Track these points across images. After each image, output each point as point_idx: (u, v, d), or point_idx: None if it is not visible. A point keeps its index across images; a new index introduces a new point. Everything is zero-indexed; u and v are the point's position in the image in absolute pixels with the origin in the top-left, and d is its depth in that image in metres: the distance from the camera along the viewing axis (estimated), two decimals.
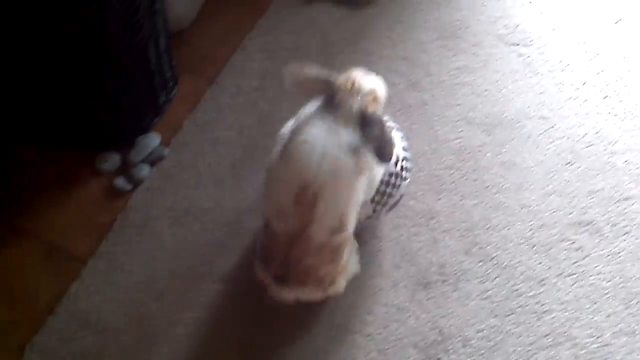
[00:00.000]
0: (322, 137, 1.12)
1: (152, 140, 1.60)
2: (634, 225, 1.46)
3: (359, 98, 1.13)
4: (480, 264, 1.42)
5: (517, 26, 1.75)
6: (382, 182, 1.27)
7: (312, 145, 1.12)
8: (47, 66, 1.38)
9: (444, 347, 1.32)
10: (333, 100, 1.14)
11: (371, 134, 1.11)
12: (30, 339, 1.35)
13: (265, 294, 1.26)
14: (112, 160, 1.58)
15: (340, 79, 1.15)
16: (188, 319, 1.36)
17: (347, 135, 1.12)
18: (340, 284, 1.29)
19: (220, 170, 1.56)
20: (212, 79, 1.70)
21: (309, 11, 1.80)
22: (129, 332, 1.36)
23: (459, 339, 1.33)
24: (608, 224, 1.46)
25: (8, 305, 1.41)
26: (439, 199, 1.50)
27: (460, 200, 1.50)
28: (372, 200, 1.28)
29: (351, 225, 1.21)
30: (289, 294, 1.26)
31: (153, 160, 1.58)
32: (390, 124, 1.32)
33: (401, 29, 1.75)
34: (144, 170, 1.56)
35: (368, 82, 1.17)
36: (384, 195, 1.29)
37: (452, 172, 1.54)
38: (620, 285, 1.39)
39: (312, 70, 1.15)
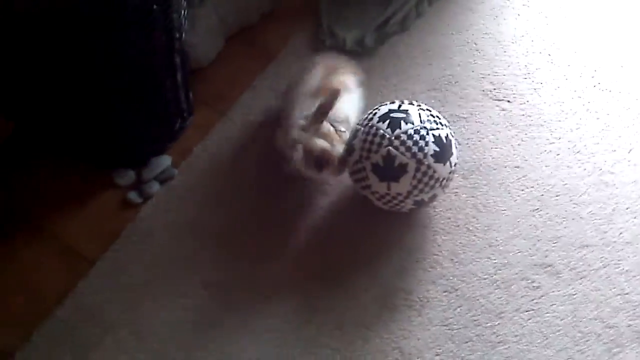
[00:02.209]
0: None
1: (164, 161, 1.80)
2: (591, 270, 1.57)
3: None
4: (445, 294, 1.56)
5: (502, 84, 1.92)
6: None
7: None
8: (76, 96, 1.60)
9: None
10: None
11: None
12: (38, 326, 1.54)
13: None
14: (127, 176, 1.79)
15: None
16: (173, 319, 1.54)
17: None
18: None
19: (222, 193, 1.75)
20: (223, 112, 1.91)
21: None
22: (125, 326, 1.54)
23: (418, 359, 1.46)
24: (567, 268, 1.58)
25: (23, 295, 1.61)
26: (412, 232, 1.66)
27: (433, 235, 1.65)
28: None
29: None
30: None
31: (163, 179, 1.78)
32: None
33: (395, 79, 1.93)
34: (154, 187, 1.76)
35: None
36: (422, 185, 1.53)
37: (428, 208, 1.69)
38: (572, 325, 1.50)
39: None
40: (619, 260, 1.59)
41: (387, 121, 1.53)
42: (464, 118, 1.86)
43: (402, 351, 1.48)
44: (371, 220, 1.67)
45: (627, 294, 1.54)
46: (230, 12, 1.99)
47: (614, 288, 1.55)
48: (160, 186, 1.77)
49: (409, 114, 1.54)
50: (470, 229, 1.66)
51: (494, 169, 1.76)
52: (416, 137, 1.50)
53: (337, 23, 2.07)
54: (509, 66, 1.96)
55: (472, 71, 1.96)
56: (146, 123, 1.72)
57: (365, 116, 1.59)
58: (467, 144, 1.81)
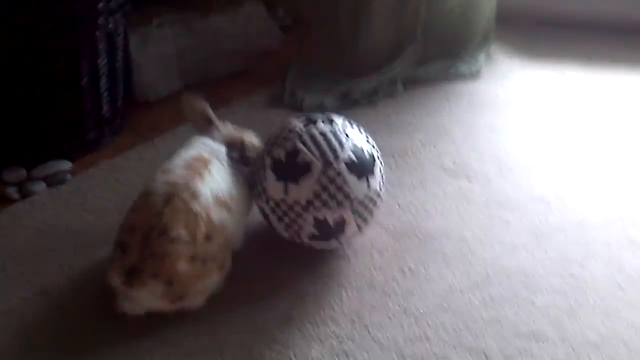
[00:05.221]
0: None
1: (62, 164, 1.59)
2: None
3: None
4: (332, 357, 1.16)
5: (465, 164, 1.67)
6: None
7: None
8: None
9: None
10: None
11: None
12: None
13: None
14: (16, 174, 1.57)
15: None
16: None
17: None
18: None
19: (108, 205, 1.50)
20: (150, 138, 1.73)
21: (268, 113, 1.86)
22: None
23: None
24: (502, 356, 1.17)
25: None
26: (313, 279, 1.31)
27: (338, 288, 1.29)
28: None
29: None
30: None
31: (53, 181, 1.55)
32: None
33: None
34: (39, 186, 1.53)
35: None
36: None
37: (340, 262, 1.36)
38: None
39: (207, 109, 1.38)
40: None
41: (305, 118, 1.32)
42: (413, 186, 1.59)
43: None
44: (270, 256, 1.36)
45: None
46: (190, 50, 1.92)
47: None
48: (47, 188, 1.54)
49: (332, 119, 1.32)
50: (387, 291, 1.30)
51: (434, 238, 1.43)
52: (331, 137, 1.26)
53: (301, 87, 1.95)
54: (475, 150, 1.72)
55: (434, 147, 1.73)
56: (54, 128, 1.58)
57: None
58: (408, 208, 1.52)
